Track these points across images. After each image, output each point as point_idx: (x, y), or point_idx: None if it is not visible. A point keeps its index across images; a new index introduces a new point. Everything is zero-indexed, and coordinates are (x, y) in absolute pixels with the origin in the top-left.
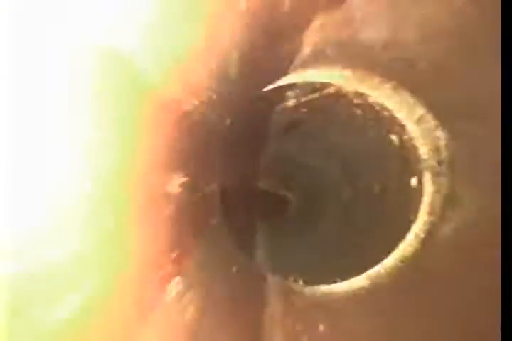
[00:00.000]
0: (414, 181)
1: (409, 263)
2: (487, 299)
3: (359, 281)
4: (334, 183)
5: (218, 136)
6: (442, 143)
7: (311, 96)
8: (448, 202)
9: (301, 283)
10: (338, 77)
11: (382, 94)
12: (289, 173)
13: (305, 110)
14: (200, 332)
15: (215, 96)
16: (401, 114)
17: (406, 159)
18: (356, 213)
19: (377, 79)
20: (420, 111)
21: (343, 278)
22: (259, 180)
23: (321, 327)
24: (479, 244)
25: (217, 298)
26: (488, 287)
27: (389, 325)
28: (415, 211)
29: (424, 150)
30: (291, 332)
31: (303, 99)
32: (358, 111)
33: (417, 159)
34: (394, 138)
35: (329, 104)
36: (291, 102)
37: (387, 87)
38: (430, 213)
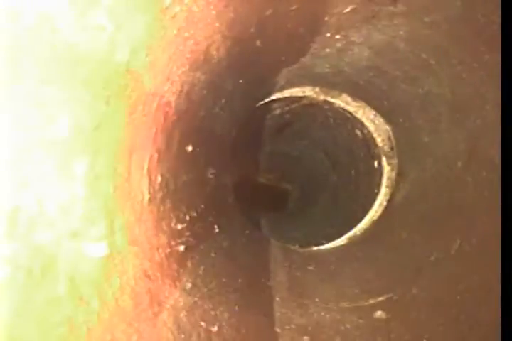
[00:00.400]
0: (376, 163)
1: (376, 224)
2: (430, 237)
3: (340, 241)
4: (322, 171)
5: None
6: (390, 134)
7: (292, 106)
8: (399, 177)
9: (297, 246)
10: (309, 92)
11: (343, 101)
12: (285, 166)
13: (288, 116)
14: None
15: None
16: (359, 115)
17: (368, 147)
18: (339, 192)
19: (336, 92)
20: (372, 112)
21: (329, 241)
22: (260, 174)
23: (310, 268)
24: (422, 205)
25: (235, 249)
26: (429, 228)
27: (359, 266)
28: (378, 185)
29: (379, 140)
30: (288, 270)
31: (286, 109)
32: (329, 114)
33: (376, 147)
34: (358, 132)
35: (306, 110)
36: (277, 111)
37: (345, 96)
38: (388, 186)
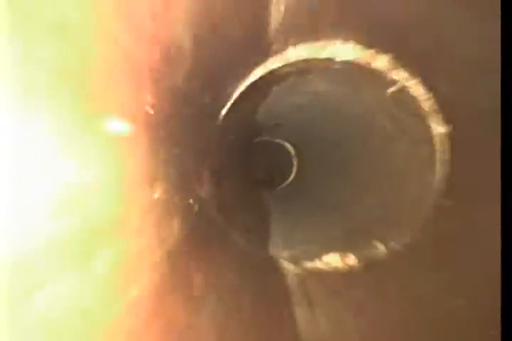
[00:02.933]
0: (293, 161)
1: (292, 182)
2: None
3: (282, 185)
4: (283, 168)
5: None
6: (294, 153)
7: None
8: (300, 164)
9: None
10: (265, 137)
11: (280, 140)
12: (266, 168)
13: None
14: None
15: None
16: (287, 146)
17: (290, 157)
18: (284, 173)
19: (278, 138)
20: (289, 145)
21: (276, 187)
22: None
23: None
24: (313, 172)
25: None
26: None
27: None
28: (292, 168)
29: (292, 153)
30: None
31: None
32: (276, 145)
33: (291, 156)
34: (287, 152)
35: (266, 144)
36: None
37: (280, 140)
38: (296, 167)
